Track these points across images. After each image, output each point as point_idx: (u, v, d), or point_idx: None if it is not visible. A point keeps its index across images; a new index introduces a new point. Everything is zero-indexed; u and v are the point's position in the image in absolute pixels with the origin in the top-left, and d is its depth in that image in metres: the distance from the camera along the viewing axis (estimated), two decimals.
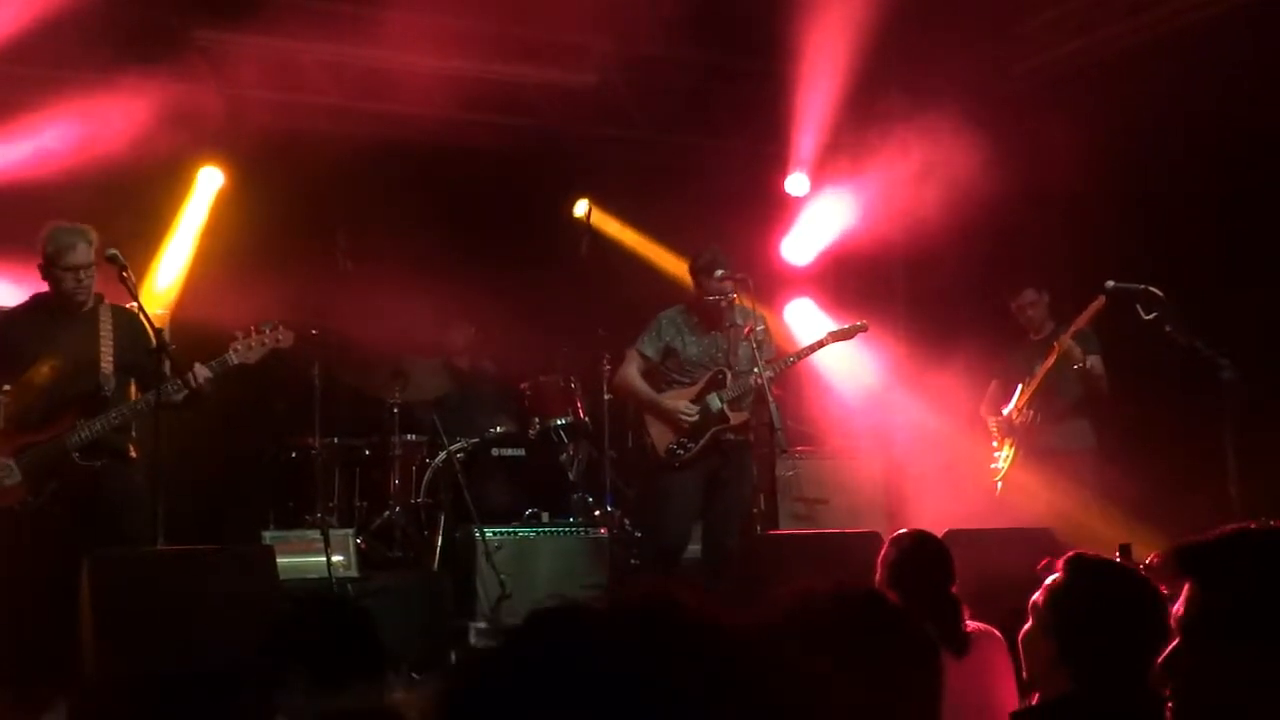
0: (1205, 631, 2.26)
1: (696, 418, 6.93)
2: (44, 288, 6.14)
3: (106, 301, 6.15)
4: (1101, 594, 2.85)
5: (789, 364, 7.30)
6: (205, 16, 8.44)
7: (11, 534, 5.77)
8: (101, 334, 6.01)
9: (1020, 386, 7.79)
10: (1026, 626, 2.97)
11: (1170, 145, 7.83)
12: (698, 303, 7.14)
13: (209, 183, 8.66)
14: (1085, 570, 2.92)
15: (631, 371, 7.15)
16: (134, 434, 6.12)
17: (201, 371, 5.95)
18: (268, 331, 6.13)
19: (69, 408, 5.90)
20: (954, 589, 3.94)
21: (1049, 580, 2.94)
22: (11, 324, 6.21)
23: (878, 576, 4.04)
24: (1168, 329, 7.13)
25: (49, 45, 7.71)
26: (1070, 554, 2.99)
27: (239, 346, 6.06)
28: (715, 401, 6.97)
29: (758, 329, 6.96)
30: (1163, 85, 7.86)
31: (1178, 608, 2.34)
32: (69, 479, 5.84)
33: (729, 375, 7.03)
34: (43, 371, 5.95)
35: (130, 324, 6.08)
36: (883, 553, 4.09)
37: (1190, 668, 2.27)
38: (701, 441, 6.92)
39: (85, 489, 5.86)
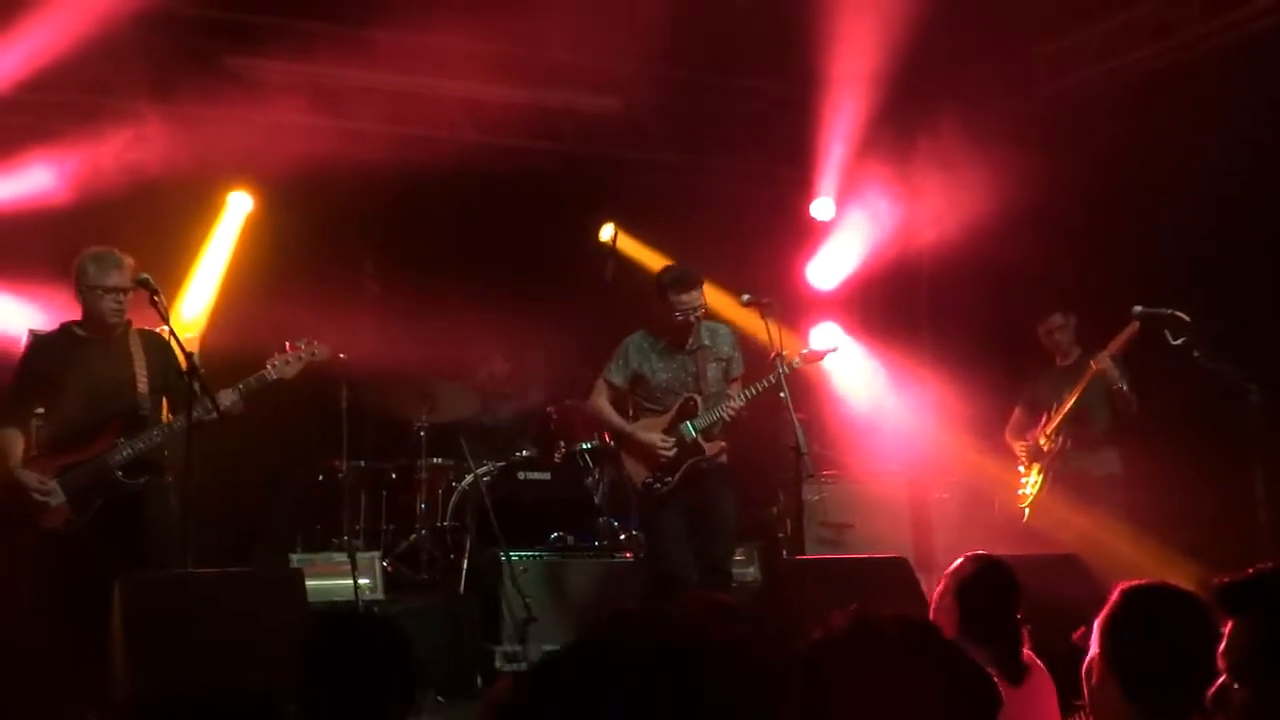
0: (1250, 667, 2.26)
1: (673, 452, 6.81)
2: (71, 314, 6.18)
3: (135, 326, 6.18)
4: (1157, 620, 2.83)
5: (757, 393, 6.85)
6: (235, 43, 8.52)
7: (54, 555, 5.81)
8: (134, 357, 6.05)
9: (1047, 413, 7.75)
10: (1089, 656, 2.96)
11: (1195, 168, 7.81)
12: (662, 322, 6.95)
13: (238, 207, 8.74)
14: (1137, 598, 2.91)
15: (601, 402, 7.03)
16: (167, 455, 6.14)
17: (228, 396, 5.95)
18: (303, 346, 6.18)
19: (109, 427, 5.93)
20: (1019, 615, 3.96)
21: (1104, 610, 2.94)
22: (43, 349, 6.24)
23: (941, 587, 4.07)
24: (1195, 354, 7.11)
25: (82, 72, 7.80)
26: (1123, 584, 2.98)
27: (276, 362, 6.10)
28: (689, 431, 6.83)
29: (783, 353, 6.79)
30: (1187, 109, 7.86)
31: (1222, 646, 2.34)
32: (111, 498, 5.87)
33: (699, 401, 6.89)
34: (79, 393, 5.97)
35: (160, 348, 6.13)
36: (955, 566, 4.10)
37: (1238, 703, 2.26)
38: (678, 475, 6.82)
39: (126, 509, 5.88)
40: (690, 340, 6.94)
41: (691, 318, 6.81)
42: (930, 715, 1.94)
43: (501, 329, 8.69)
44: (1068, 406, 7.61)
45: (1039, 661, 3.95)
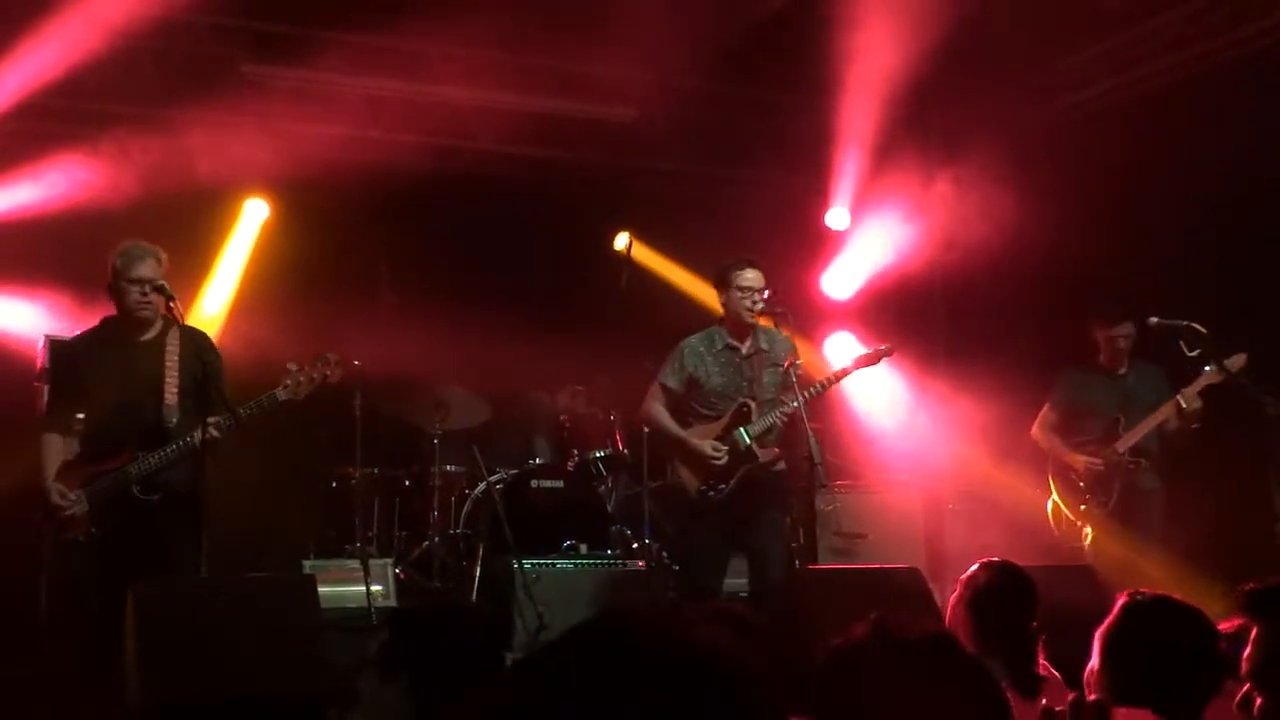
0: (1272, 673, 2.24)
1: (725, 460, 6.66)
2: (84, 321, 6.16)
3: (179, 324, 6.05)
4: (1155, 632, 2.83)
5: (815, 393, 6.85)
6: (253, 51, 8.55)
7: (75, 565, 5.80)
8: (167, 362, 5.89)
9: (1104, 422, 7.56)
10: (1089, 666, 2.94)
11: (1214, 180, 7.77)
12: (726, 313, 6.86)
13: (255, 214, 8.77)
14: (1139, 611, 2.88)
15: (657, 408, 6.90)
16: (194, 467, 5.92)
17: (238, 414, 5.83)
18: (318, 366, 5.97)
19: (130, 439, 5.84)
20: (1034, 626, 3.88)
21: (1108, 620, 2.92)
22: (79, 353, 6.19)
23: (955, 594, 4.00)
24: (1209, 367, 7.10)
25: (100, 79, 7.83)
26: (1125, 594, 2.96)
27: (289, 382, 5.90)
28: (743, 438, 6.68)
29: (797, 363, 6.80)
30: (1207, 121, 7.82)
31: (1246, 650, 2.32)
32: (130, 513, 5.78)
33: (754, 407, 6.74)
34: (108, 400, 5.93)
35: (200, 347, 6.04)
36: (969, 574, 4.02)
37: (1263, 709, 2.25)
38: (732, 482, 6.67)
39: (144, 523, 5.79)
40: (748, 344, 6.86)
41: (756, 300, 6.70)
42: None
43: (516, 337, 8.67)
44: (1151, 424, 7.43)
45: (1055, 673, 3.89)
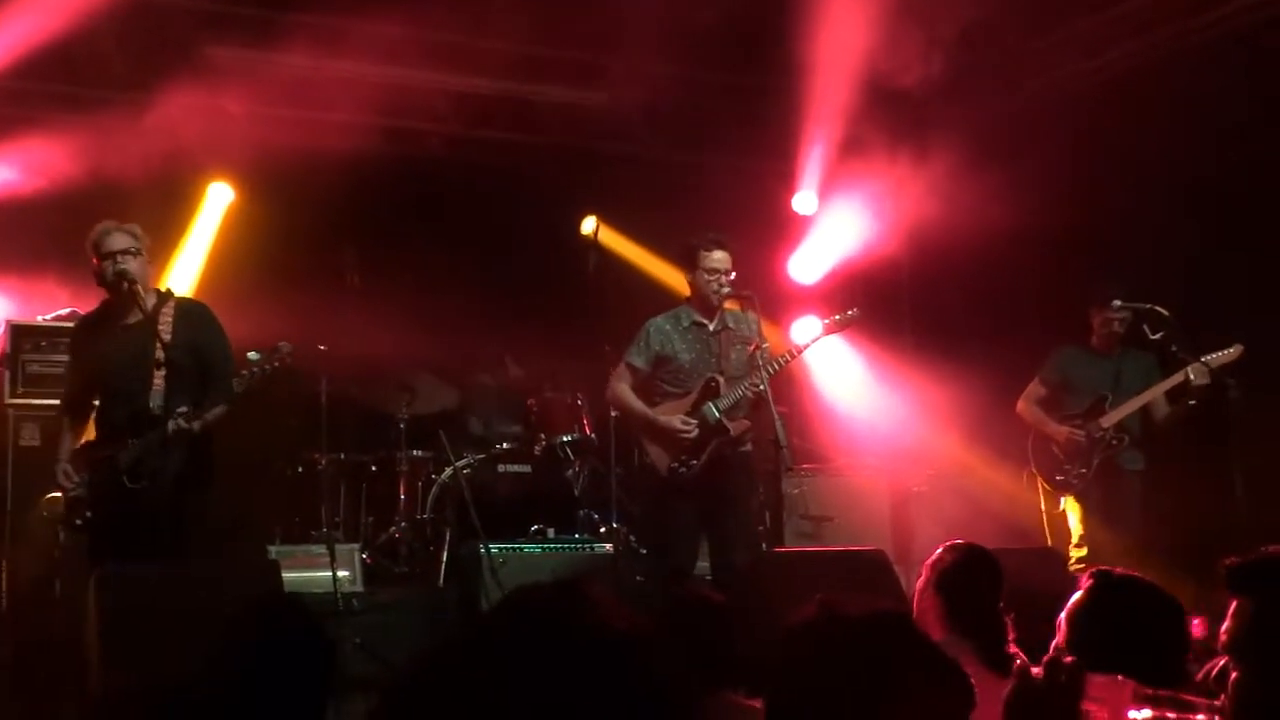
0: (1247, 647, 2.27)
1: (695, 433, 6.63)
2: (47, 306, 6.14)
3: (175, 297, 6.05)
4: (1121, 612, 2.85)
5: (783, 364, 6.82)
6: (217, 33, 8.46)
7: (58, 549, 5.80)
8: (158, 340, 5.80)
9: (1109, 400, 7.53)
10: (1054, 644, 2.96)
11: (1181, 163, 7.81)
12: (692, 292, 6.85)
13: (219, 198, 8.69)
14: (1104, 588, 2.90)
15: (623, 388, 6.87)
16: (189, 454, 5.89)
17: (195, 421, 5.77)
18: (271, 356, 5.82)
19: (124, 425, 5.82)
20: (1001, 607, 3.88)
21: (1073, 598, 2.93)
22: (79, 336, 6.22)
23: (922, 579, 4.00)
24: (1174, 349, 7.15)
25: (62, 62, 7.74)
26: (1094, 569, 2.97)
27: (244, 372, 5.82)
28: (712, 412, 6.65)
29: (764, 345, 6.78)
30: (1174, 104, 7.85)
31: (1224, 623, 2.35)
32: (120, 500, 5.74)
33: (722, 382, 6.71)
34: (105, 384, 5.96)
35: (197, 321, 6.00)
36: (935, 557, 4.02)
37: (1240, 684, 2.27)
38: (703, 458, 6.64)
39: (132, 511, 5.74)
40: (715, 321, 6.83)
41: (723, 282, 6.68)
42: (901, 702, 1.93)
43: (482, 321, 8.66)
44: (1136, 405, 7.46)
45: (1023, 654, 3.91)
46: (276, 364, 5.85)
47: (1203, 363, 7.06)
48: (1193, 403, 7.26)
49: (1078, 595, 2.98)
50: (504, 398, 9.09)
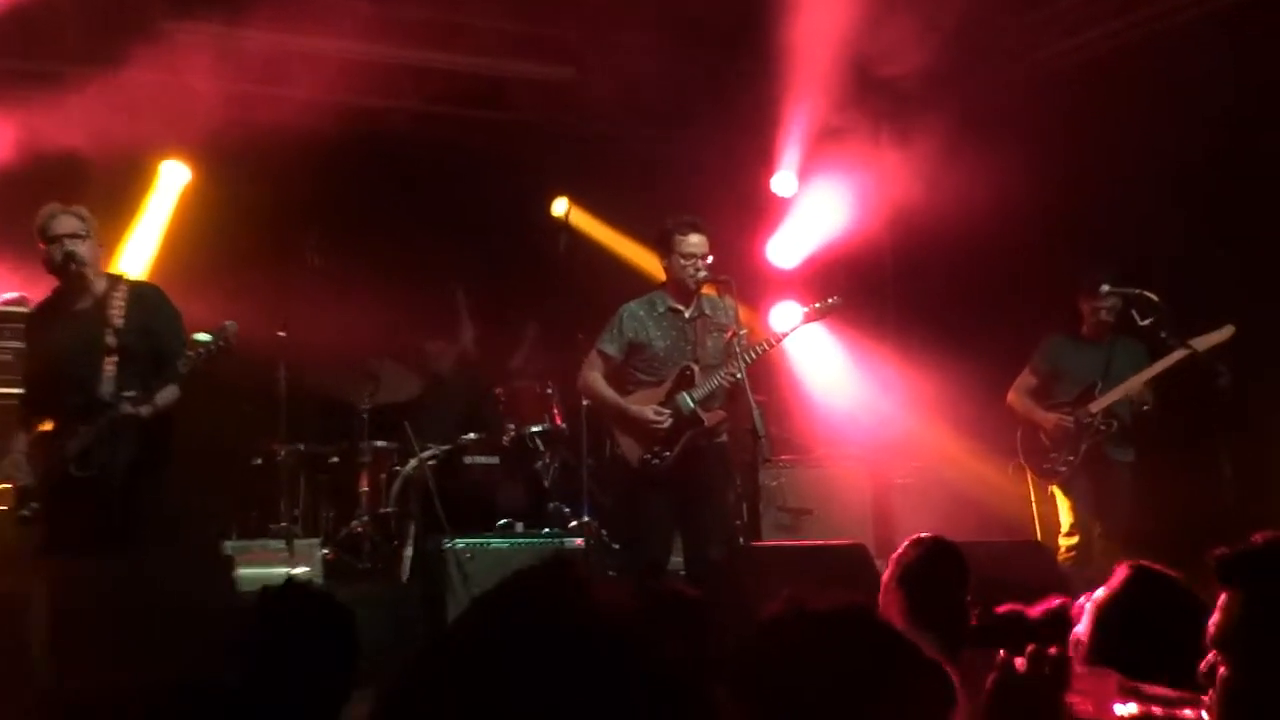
0: (1248, 639, 2.26)
1: (668, 423, 6.58)
2: None
3: (127, 280, 6.02)
4: (1159, 609, 2.87)
5: (760, 352, 6.75)
6: (174, 7, 8.36)
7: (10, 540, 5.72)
8: (109, 325, 5.78)
9: (1099, 386, 7.51)
10: (1075, 634, 2.97)
11: (1164, 143, 7.79)
12: (668, 277, 6.80)
13: (174, 177, 8.60)
14: (1145, 582, 2.91)
15: (594, 376, 6.81)
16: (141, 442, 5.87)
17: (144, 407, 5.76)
18: (216, 338, 5.75)
19: (72, 414, 5.77)
20: (967, 600, 3.93)
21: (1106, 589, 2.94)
22: (31, 324, 6.23)
23: (887, 574, 4.04)
24: (1162, 334, 7.13)
25: (14, 34, 7.64)
26: (1133, 563, 2.99)
27: (189, 354, 5.75)
28: (687, 402, 6.60)
29: (741, 333, 6.74)
30: (1157, 83, 7.85)
31: (1214, 616, 2.34)
32: (69, 491, 5.69)
33: (697, 370, 6.68)
34: (54, 373, 5.89)
35: (149, 304, 5.97)
36: (899, 552, 4.07)
37: (1229, 679, 2.26)
38: (676, 449, 6.59)
39: (82, 502, 5.70)
40: (691, 308, 6.79)
41: (699, 266, 6.63)
42: (878, 700, 1.92)
43: (450, 306, 8.59)
44: (1125, 390, 7.43)
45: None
46: (222, 344, 5.79)
47: (1190, 345, 7.04)
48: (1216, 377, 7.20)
49: (1111, 586, 2.98)
50: (469, 381, 9.04)
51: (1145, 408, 7.42)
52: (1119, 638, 2.82)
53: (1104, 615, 2.92)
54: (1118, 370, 7.54)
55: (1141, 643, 2.78)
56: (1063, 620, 3.24)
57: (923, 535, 4.16)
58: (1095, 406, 7.48)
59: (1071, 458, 7.49)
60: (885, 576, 4.06)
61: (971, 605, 3.92)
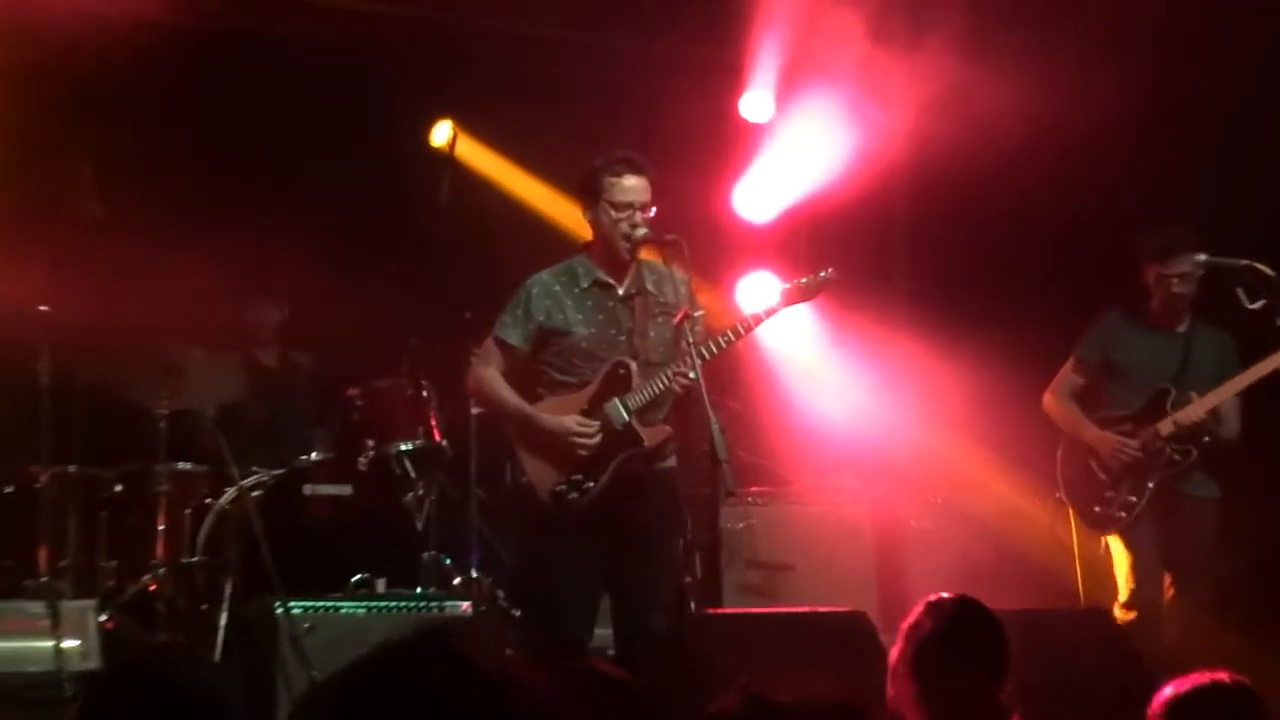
0: None
1: (594, 441, 6.57)
2: None
3: None
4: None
5: (724, 345, 6.71)
6: None
7: None
8: None
9: (1173, 396, 7.51)
10: None
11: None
12: (595, 236, 6.78)
13: None
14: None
15: (490, 374, 6.81)
16: None
17: None
18: None
19: None
20: (1005, 692, 3.96)
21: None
22: None
23: (895, 652, 4.08)
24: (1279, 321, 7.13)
25: None
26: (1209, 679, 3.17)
27: None
28: (619, 413, 6.58)
29: (695, 315, 6.69)
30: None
31: None
32: None
33: (634, 369, 6.64)
34: None
35: None
36: (911, 621, 4.10)
37: None
38: (604, 477, 6.57)
39: None
40: (626, 281, 6.77)
41: (637, 221, 6.59)
42: None
43: (282, 269, 8.52)
44: (1214, 403, 7.45)
45: None
46: None
47: None
48: None
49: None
50: (311, 379, 9.08)
51: (1207, 438, 7.42)
52: None
53: None
54: (1198, 370, 7.56)
55: None
56: None
57: (944, 597, 4.17)
58: (1169, 428, 7.46)
59: (1134, 498, 7.51)
60: (893, 656, 4.09)
61: (1011, 700, 3.93)
